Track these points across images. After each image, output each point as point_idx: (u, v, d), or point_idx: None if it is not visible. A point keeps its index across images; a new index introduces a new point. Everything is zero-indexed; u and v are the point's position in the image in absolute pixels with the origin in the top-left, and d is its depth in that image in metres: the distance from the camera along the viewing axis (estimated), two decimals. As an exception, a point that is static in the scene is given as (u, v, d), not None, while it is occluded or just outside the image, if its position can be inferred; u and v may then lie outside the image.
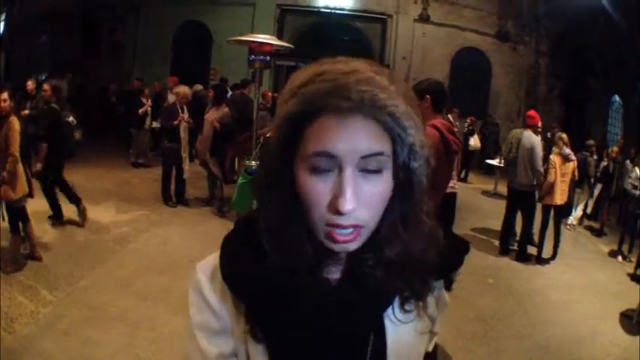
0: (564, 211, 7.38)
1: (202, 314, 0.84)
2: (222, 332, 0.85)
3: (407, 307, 0.83)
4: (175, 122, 7.44)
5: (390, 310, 0.83)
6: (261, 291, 0.78)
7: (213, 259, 0.85)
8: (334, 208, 0.70)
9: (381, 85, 0.71)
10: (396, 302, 0.83)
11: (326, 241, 0.74)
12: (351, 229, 0.72)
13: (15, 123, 4.69)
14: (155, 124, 10.01)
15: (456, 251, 0.90)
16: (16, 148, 4.62)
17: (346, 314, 0.77)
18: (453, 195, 5.18)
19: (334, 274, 0.81)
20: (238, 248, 0.83)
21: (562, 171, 6.64)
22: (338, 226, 0.71)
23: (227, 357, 0.86)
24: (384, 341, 0.82)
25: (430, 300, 0.88)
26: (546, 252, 6.86)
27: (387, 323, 0.83)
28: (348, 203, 0.69)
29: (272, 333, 0.79)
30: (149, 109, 10.34)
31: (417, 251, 0.79)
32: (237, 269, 0.80)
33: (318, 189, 0.72)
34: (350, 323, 0.77)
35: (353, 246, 0.74)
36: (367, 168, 0.71)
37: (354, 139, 0.70)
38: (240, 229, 0.86)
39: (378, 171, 0.72)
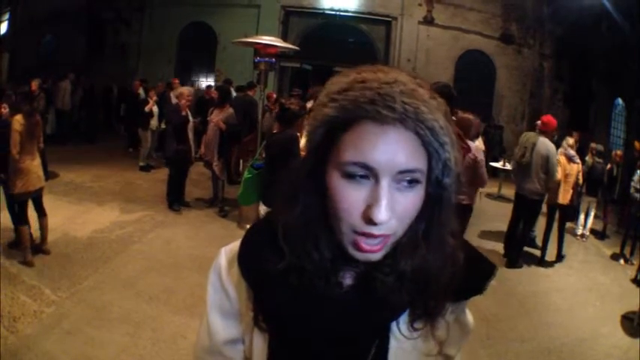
0: (569, 215, 7.34)
1: (217, 295, 0.90)
2: (233, 315, 0.89)
3: (415, 325, 0.81)
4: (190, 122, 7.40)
5: (396, 325, 0.81)
6: (269, 283, 0.79)
7: (236, 245, 0.88)
8: (367, 218, 0.69)
9: (423, 98, 0.71)
10: (406, 318, 0.81)
11: (351, 249, 0.73)
12: (380, 239, 0.72)
13: (15, 123, 4.86)
14: (163, 126, 9.92)
15: (478, 275, 0.86)
16: (13, 145, 4.81)
17: (349, 321, 0.77)
18: (464, 208, 4.67)
19: (347, 279, 0.81)
20: (259, 238, 0.85)
21: (566, 171, 6.64)
22: (369, 235, 0.71)
23: (234, 342, 0.90)
24: (386, 355, 0.81)
25: (442, 323, 0.84)
26: (549, 254, 6.87)
27: (392, 337, 0.82)
28: (383, 214, 0.68)
29: (273, 325, 0.81)
30: (155, 108, 10.26)
31: (434, 270, 0.77)
32: (252, 258, 0.83)
33: (351, 196, 0.71)
34: (352, 331, 0.77)
35: (376, 256, 0.73)
36: (402, 180, 0.71)
37: (392, 151, 0.69)
38: (266, 221, 0.87)
39: (412, 184, 0.72)
